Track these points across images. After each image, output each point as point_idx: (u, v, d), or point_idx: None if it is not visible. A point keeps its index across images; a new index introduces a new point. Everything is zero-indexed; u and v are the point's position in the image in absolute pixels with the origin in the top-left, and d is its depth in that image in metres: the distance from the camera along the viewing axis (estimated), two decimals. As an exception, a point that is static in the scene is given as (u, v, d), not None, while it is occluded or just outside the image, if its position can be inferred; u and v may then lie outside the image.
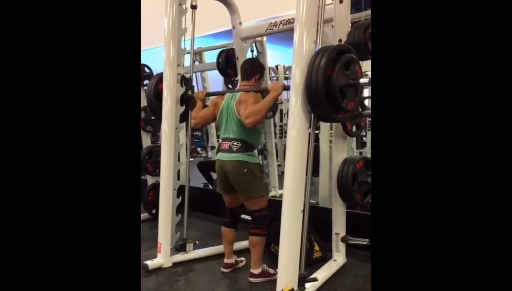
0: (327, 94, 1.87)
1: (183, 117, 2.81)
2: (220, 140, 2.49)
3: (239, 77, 3.26)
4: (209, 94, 2.75)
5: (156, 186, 3.52)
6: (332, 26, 2.43)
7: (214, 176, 4.58)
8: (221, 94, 2.61)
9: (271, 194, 4.10)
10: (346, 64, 1.93)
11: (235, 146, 2.37)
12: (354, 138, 2.98)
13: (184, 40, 2.77)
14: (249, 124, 2.24)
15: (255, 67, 2.52)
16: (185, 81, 2.78)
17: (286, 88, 2.18)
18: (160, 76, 2.82)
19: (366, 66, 2.09)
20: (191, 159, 3.38)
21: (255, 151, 2.48)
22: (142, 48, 4.06)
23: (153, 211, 3.86)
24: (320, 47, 1.98)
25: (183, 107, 2.78)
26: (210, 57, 4.94)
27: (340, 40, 2.36)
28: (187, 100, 2.76)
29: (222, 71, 3.61)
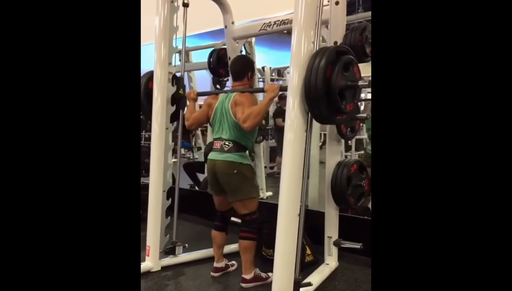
0: (326, 96, 1.85)
1: (174, 118, 2.74)
2: (213, 140, 2.46)
3: (230, 78, 3.23)
4: (201, 94, 2.69)
5: (144, 187, 3.43)
6: (327, 28, 2.41)
7: (201, 177, 4.53)
8: (214, 94, 2.56)
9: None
10: (345, 65, 1.91)
11: (226, 146, 2.34)
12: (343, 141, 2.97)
13: (176, 39, 2.71)
14: (248, 128, 2.21)
15: (245, 66, 2.49)
16: (176, 80, 2.72)
17: (283, 88, 2.15)
18: (150, 74, 2.74)
19: (362, 68, 2.08)
20: (174, 159, 3.28)
21: (247, 152, 2.44)
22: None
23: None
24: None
25: (174, 107, 2.71)
26: (197, 57, 4.88)
27: (335, 43, 2.34)
28: (178, 100, 2.69)
29: (213, 71, 3.56)
